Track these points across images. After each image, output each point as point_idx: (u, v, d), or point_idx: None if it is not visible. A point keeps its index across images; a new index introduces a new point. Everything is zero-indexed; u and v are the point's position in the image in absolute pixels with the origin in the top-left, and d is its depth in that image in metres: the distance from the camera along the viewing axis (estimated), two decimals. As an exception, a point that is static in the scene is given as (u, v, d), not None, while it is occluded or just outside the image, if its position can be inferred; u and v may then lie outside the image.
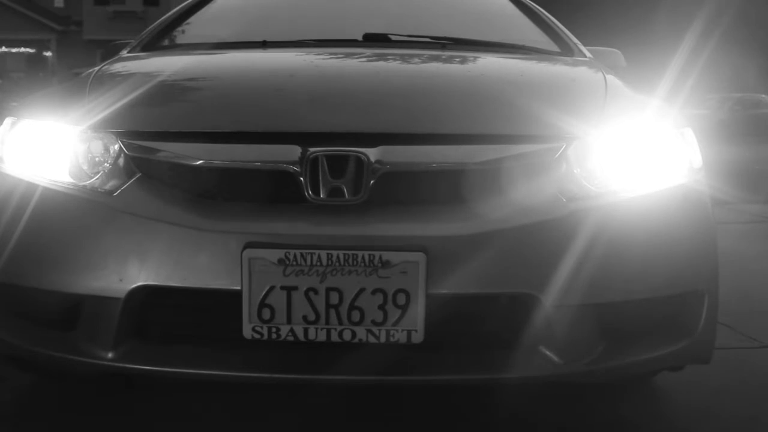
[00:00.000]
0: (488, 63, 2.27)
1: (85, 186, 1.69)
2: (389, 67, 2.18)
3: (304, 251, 1.54)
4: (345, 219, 1.59)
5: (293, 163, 1.62)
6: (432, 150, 1.66)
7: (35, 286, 1.70)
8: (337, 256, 1.54)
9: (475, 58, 2.29)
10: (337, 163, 1.61)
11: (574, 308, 1.64)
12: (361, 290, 1.55)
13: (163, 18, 2.89)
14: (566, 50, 2.63)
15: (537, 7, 3.08)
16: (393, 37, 2.45)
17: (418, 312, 1.56)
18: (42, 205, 1.71)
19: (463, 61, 2.26)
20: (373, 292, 1.55)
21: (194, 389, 2.27)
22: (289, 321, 1.57)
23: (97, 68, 2.12)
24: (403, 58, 2.23)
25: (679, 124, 1.91)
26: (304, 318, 1.57)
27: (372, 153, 1.62)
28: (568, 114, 1.81)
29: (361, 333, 1.57)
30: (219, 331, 1.65)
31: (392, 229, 1.58)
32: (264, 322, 1.57)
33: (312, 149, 1.62)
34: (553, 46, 2.66)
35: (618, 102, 1.88)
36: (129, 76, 2.14)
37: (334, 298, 1.56)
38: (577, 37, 2.80)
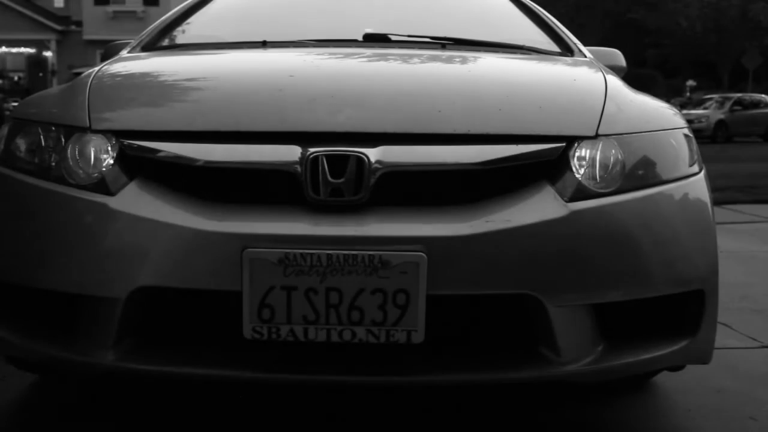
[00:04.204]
0: (488, 63, 2.26)
1: (85, 186, 1.69)
2: (389, 67, 2.18)
3: (304, 251, 1.54)
4: (345, 219, 1.59)
5: (293, 163, 1.62)
6: (432, 150, 1.66)
7: (36, 286, 1.70)
8: (337, 256, 1.54)
9: (475, 58, 2.29)
10: (338, 163, 1.61)
11: (574, 308, 1.64)
12: (361, 290, 1.55)
13: (163, 18, 2.89)
14: (566, 50, 2.63)
15: (537, 7, 3.07)
16: (393, 37, 2.45)
17: (418, 312, 1.56)
18: (42, 206, 1.71)
19: (463, 61, 2.26)
20: (373, 292, 1.55)
21: (194, 389, 2.27)
22: (289, 321, 1.57)
23: (97, 68, 2.11)
24: (403, 58, 2.23)
25: (678, 124, 1.91)
26: (304, 318, 1.56)
27: (372, 153, 1.62)
28: (568, 114, 1.81)
29: (361, 333, 1.57)
30: (219, 332, 1.65)
31: (392, 229, 1.58)
32: (264, 322, 1.57)
33: (312, 149, 1.62)
34: (553, 46, 2.66)
35: (618, 102, 1.88)
36: (129, 76, 2.14)
37: (334, 298, 1.56)
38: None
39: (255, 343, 1.59)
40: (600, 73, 2.10)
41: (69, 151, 1.74)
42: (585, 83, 2.07)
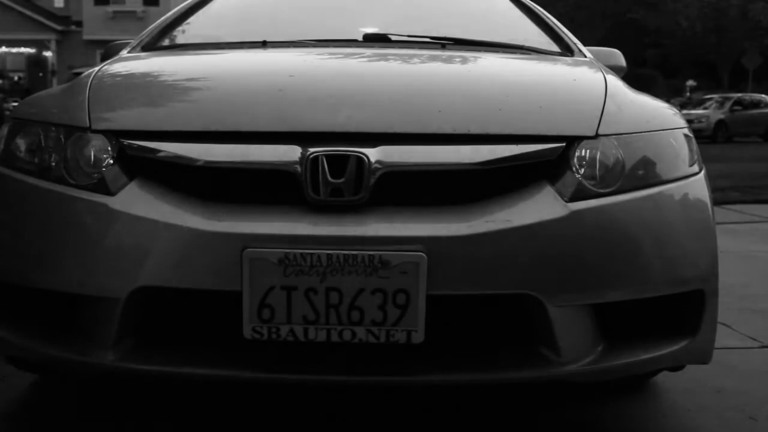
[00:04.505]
0: (488, 63, 2.26)
1: (85, 186, 1.69)
2: (389, 67, 2.18)
3: (304, 251, 1.54)
4: (345, 219, 1.59)
5: (293, 163, 1.62)
6: (432, 150, 1.66)
7: (36, 286, 1.70)
8: (337, 256, 1.54)
9: (475, 58, 2.29)
10: (338, 163, 1.61)
11: (574, 308, 1.64)
12: (361, 290, 1.55)
13: (163, 18, 2.89)
14: (566, 50, 2.63)
15: (537, 7, 3.07)
16: (393, 37, 2.45)
17: (418, 312, 1.56)
18: (42, 206, 1.71)
19: (463, 61, 2.26)
20: (373, 292, 1.55)
21: (194, 389, 2.27)
22: (289, 321, 1.57)
23: (97, 68, 2.11)
24: (403, 58, 2.23)
25: (678, 124, 1.91)
26: (304, 318, 1.56)
27: (372, 153, 1.62)
28: (568, 114, 1.81)
29: (361, 333, 1.57)
30: (219, 332, 1.65)
31: (392, 229, 1.58)
32: (264, 322, 1.57)
33: (312, 149, 1.62)
34: (553, 46, 2.66)
35: (618, 102, 1.88)
36: (129, 76, 2.14)
37: (334, 298, 1.56)
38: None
39: (255, 343, 1.59)
40: (600, 73, 2.10)
41: (69, 151, 1.74)
42: (585, 83, 2.07)
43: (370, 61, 2.21)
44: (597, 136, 1.74)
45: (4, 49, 32.95)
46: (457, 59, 2.27)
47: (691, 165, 1.84)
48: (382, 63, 2.20)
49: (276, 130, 1.68)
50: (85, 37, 32.61)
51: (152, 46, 2.60)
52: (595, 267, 1.65)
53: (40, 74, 32.28)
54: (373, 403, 2.23)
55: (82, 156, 1.72)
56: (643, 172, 1.75)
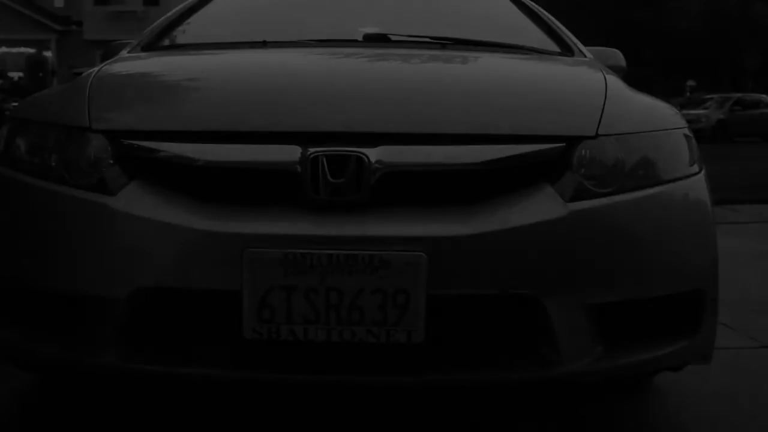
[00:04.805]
0: (488, 63, 2.27)
1: (85, 186, 1.68)
2: (389, 67, 2.18)
3: (304, 251, 1.54)
4: (345, 219, 1.59)
5: (294, 163, 1.62)
6: (432, 150, 1.66)
7: (36, 286, 1.70)
8: (337, 256, 1.54)
9: (476, 58, 2.29)
10: (338, 163, 1.61)
11: (574, 308, 1.64)
12: (361, 290, 1.55)
13: (163, 18, 2.89)
14: (566, 50, 2.63)
15: (537, 7, 3.08)
16: (393, 37, 2.45)
17: (418, 312, 1.56)
18: (43, 206, 1.71)
19: (463, 61, 2.26)
20: (373, 292, 1.55)
21: (194, 389, 2.27)
22: (289, 321, 1.56)
23: (97, 68, 2.11)
24: (404, 58, 2.23)
25: (678, 124, 1.91)
26: (304, 318, 1.56)
27: (372, 153, 1.62)
28: (569, 114, 1.82)
29: (361, 333, 1.57)
30: (219, 332, 1.65)
31: (392, 229, 1.58)
32: (264, 322, 1.57)
33: (312, 149, 1.62)
34: (553, 46, 2.66)
35: (618, 102, 1.88)
36: (129, 76, 2.14)
37: (334, 298, 1.55)
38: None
39: (255, 343, 1.59)
40: (600, 73, 2.10)
41: (69, 151, 1.74)
42: (585, 83, 2.08)
43: (370, 61, 2.21)
44: (597, 136, 1.74)
45: (4, 49, 32.93)
46: (458, 59, 2.27)
47: (691, 165, 1.84)
48: (382, 63, 2.20)
49: (276, 130, 1.68)
50: (85, 37, 32.58)
51: (152, 46, 2.60)
52: (596, 267, 1.65)
53: (40, 74, 32.25)
54: (373, 403, 2.23)
55: (82, 156, 1.72)
56: (643, 172, 1.76)
